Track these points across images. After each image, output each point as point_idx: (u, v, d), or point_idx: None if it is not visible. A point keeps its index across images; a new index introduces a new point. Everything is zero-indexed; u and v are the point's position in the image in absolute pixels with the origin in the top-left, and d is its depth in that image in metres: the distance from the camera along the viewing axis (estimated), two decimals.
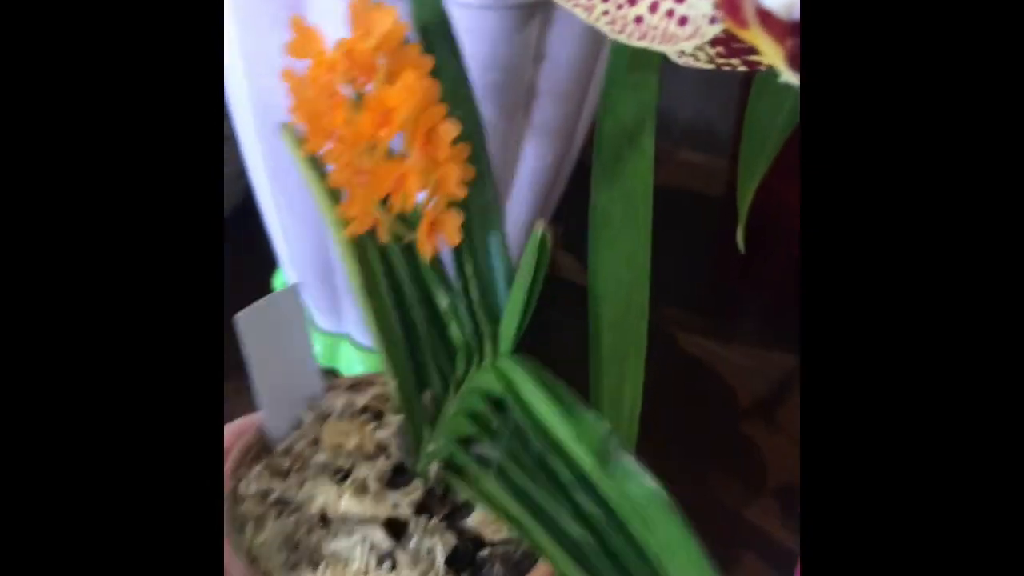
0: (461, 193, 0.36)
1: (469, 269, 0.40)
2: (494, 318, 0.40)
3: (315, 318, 0.67)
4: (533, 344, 0.70)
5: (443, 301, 0.41)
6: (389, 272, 0.45)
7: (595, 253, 0.42)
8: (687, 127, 0.92)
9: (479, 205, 0.39)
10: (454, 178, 0.36)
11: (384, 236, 0.39)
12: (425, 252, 0.38)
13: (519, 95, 0.55)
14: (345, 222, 0.38)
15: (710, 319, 0.76)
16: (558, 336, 0.75)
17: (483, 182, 0.39)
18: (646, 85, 0.41)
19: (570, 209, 0.66)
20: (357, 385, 0.57)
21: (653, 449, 0.50)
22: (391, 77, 0.35)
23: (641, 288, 0.42)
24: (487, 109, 0.51)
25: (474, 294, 0.40)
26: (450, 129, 0.36)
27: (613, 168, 0.41)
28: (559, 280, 0.77)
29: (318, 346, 0.66)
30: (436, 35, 0.43)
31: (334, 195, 0.40)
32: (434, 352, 0.44)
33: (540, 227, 0.36)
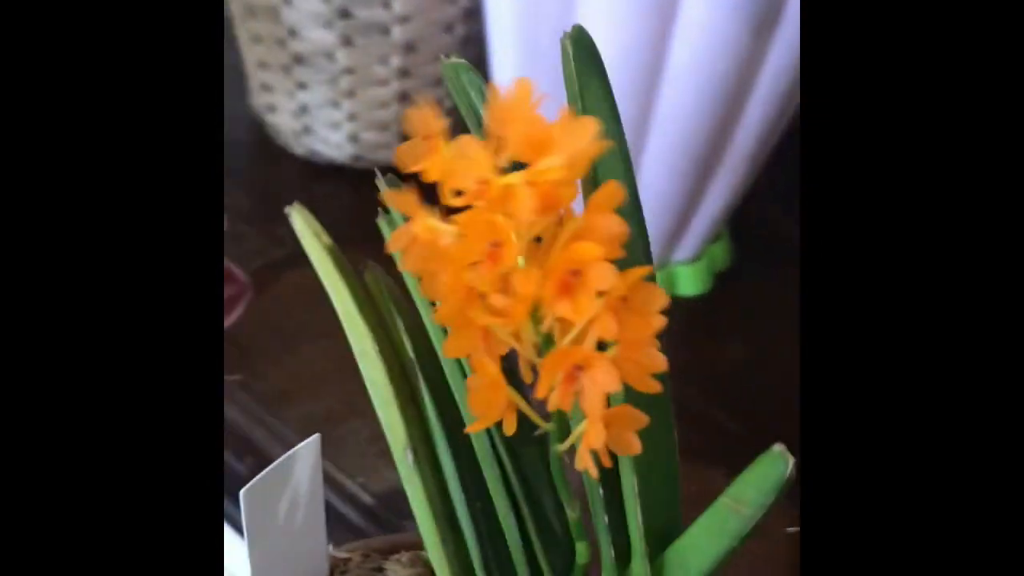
0: (656, 388, 0.25)
1: (630, 484, 0.28)
2: (658, 547, 0.28)
3: None
4: (728, 296, 0.70)
5: (573, 512, 0.29)
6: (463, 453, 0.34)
7: None
8: None
9: (653, 397, 0.27)
10: (652, 367, 0.24)
11: (510, 428, 0.27)
12: (584, 462, 0.26)
13: (771, 11, 0.53)
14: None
15: None
16: (758, 288, 0.72)
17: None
18: None
19: (777, 158, 0.65)
20: (370, 556, 0.44)
21: None
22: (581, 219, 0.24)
23: None
24: (736, 25, 0.51)
25: (635, 514, 0.28)
26: (658, 297, 0.24)
27: None
28: (761, 231, 0.76)
29: None
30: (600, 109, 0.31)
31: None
32: (532, 567, 0.32)
33: (783, 453, 0.24)
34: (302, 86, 0.62)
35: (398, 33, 0.59)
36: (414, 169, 0.24)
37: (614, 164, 0.28)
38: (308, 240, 0.38)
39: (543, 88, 0.56)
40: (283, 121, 0.65)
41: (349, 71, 0.61)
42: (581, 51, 0.31)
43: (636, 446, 0.25)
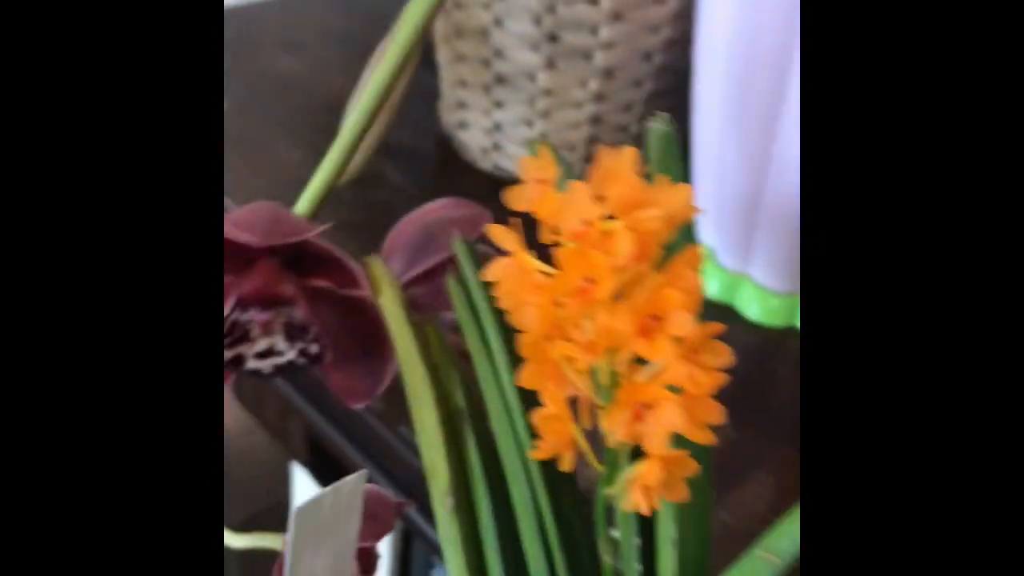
0: (711, 439, 0.27)
1: (669, 533, 0.30)
2: None
3: (717, 255, 0.62)
4: None
5: (608, 556, 0.31)
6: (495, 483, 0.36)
7: None
8: None
9: (698, 450, 0.29)
10: (709, 418, 0.27)
11: (568, 464, 0.29)
12: (637, 504, 0.28)
13: None
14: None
15: None
16: None
17: None
18: None
19: None
20: None
21: None
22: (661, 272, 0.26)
23: None
24: None
25: (670, 564, 0.30)
26: (724, 355, 0.26)
27: None
28: None
29: (716, 283, 0.62)
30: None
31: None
32: None
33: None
34: (499, 105, 0.65)
35: (600, 59, 0.61)
36: (523, 209, 0.27)
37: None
38: (383, 286, 0.41)
39: (749, 121, 0.59)
40: (473, 138, 0.68)
41: (547, 92, 0.63)
42: (662, 139, 0.34)
43: (684, 492, 0.27)
